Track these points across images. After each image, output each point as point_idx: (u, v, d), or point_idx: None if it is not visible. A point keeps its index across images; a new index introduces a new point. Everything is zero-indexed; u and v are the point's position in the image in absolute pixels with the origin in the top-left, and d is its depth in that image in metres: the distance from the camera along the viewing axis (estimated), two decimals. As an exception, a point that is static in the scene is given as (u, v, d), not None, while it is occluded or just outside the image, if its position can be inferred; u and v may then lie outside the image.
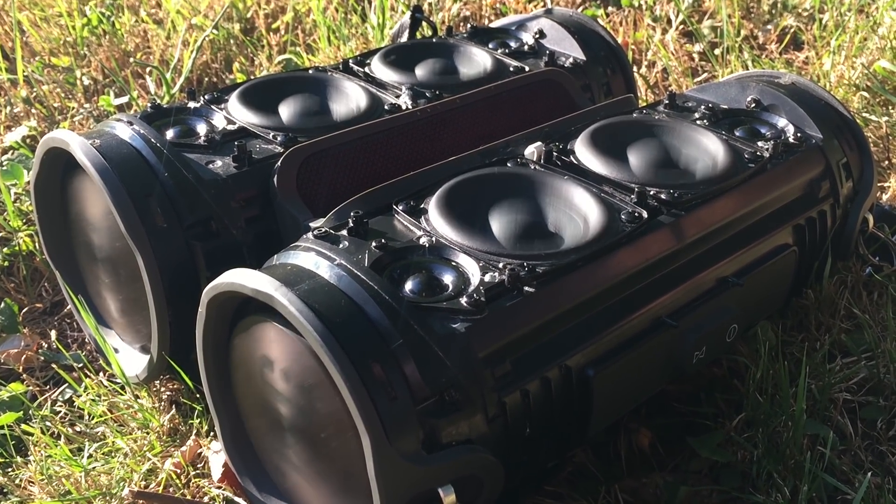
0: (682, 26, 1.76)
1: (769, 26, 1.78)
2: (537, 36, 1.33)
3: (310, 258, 0.77)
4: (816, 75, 1.58)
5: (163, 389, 1.02)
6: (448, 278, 0.78)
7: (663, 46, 1.66)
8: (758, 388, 0.90)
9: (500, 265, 0.78)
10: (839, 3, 1.73)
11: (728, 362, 0.98)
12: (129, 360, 1.02)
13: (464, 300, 0.74)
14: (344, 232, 0.82)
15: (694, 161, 0.99)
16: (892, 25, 1.61)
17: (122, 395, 1.00)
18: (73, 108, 1.51)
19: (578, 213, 0.87)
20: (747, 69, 1.60)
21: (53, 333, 1.15)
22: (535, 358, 0.76)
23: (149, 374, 0.97)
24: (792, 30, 1.74)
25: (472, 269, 0.79)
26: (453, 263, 0.80)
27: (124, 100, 1.44)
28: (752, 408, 0.89)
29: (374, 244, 0.79)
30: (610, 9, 1.84)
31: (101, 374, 1.05)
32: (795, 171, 1.00)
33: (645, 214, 0.86)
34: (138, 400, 0.98)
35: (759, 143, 1.01)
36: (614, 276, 0.82)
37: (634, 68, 1.65)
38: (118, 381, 1.01)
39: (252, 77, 1.59)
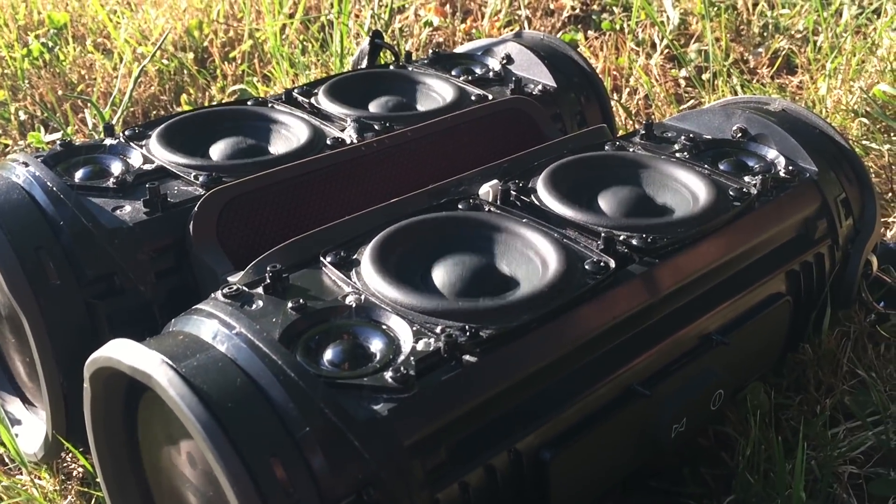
0: (667, 50, 1.65)
1: (760, 49, 1.67)
2: (504, 62, 1.22)
3: (209, 326, 0.65)
4: (811, 100, 1.47)
5: (73, 467, 0.90)
6: (376, 346, 0.66)
7: (645, 72, 1.55)
8: (748, 465, 0.77)
9: (438, 329, 0.66)
10: (834, 24, 1.62)
11: (715, 430, 0.85)
12: (33, 432, 0.89)
13: (389, 375, 0.61)
14: (259, 290, 0.70)
15: (671, 200, 0.87)
16: (891, 47, 1.50)
17: (19, 476, 0.88)
18: (8, 145, 1.39)
19: (535, 263, 0.75)
20: (736, 94, 1.49)
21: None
22: (477, 442, 0.64)
23: (45, 452, 0.84)
24: (784, 52, 1.63)
25: (404, 334, 0.66)
26: (383, 327, 0.67)
27: (57, 136, 1.33)
28: (741, 489, 0.76)
29: (290, 305, 0.67)
30: (591, 32, 1.73)
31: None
32: (787, 209, 0.88)
33: (612, 263, 0.74)
34: (37, 481, 0.86)
35: (747, 178, 0.89)
36: (575, 338, 0.70)
37: (616, 96, 1.54)
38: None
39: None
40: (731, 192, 0.86)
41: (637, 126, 1.46)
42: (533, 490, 0.66)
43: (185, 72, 1.55)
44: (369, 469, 0.58)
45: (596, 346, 0.71)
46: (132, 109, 1.44)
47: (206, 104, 1.48)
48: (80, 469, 0.90)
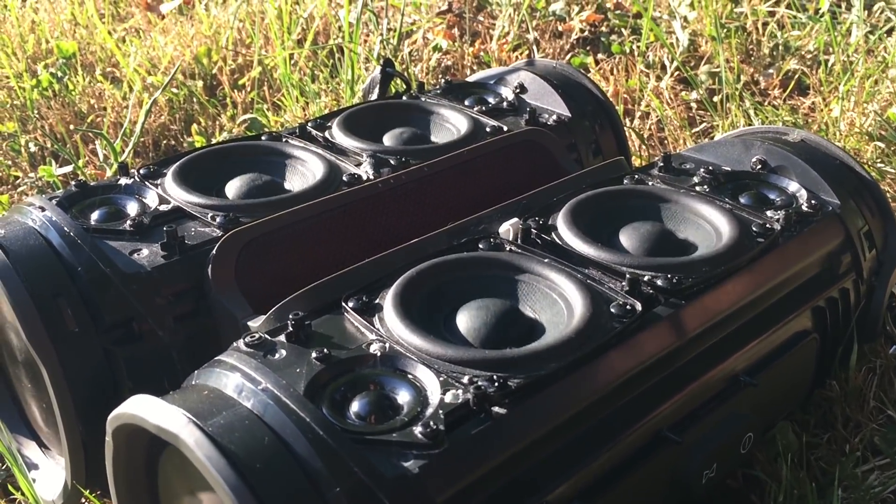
0: (677, 73, 1.64)
1: (771, 70, 1.66)
2: (517, 91, 1.21)
3: (233, 380, 0.64)
4: (824, 123, 1.46)
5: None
6: (403, 397, 0.65)
7: (656, 96, 1.54)
8: (780, 511, 0.76)
9: (465, 379, 0.65)
10: (845, 45, 1.61)
11: (744, 472, 0.84)
12: (52, 479, 0.88)
13: (418, 430, 0.60)
14: (282, 338, 0.69)
15: (693, 236, 0.86)
16: (904, 67, 1.49)
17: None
18: (19, 177, 1.39)
19: (560, 306, 0.74)
20: (749, 118, 1.48)
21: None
22: (508, 497, 0.62)
23: (64, 500, 0.83)
24: (796, 74, 1.62)
25: (431, 384, 0.65)
26: (409, 377, 0.66)
27: (68, 169, 1.32)
28: (773, 535, 0.75)
29: (314, 355, 0.66)
30: (600, 55, 1.73)
31: (16, 492, 0.91)
32: (812, 244, 0.87)
33: (638, 306, 0.73)
34: (55, 529, 0.84)
35: (769, 213, 0.88)
36: (603, 385, 0.69)
37: (627, 120, 1.53)
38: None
39: (213, 139, 1.48)
40: (754, 228, 0.85)
41: (651, 153, 1.45)
42: (564, 543, 0.65)
43: (195, 100, 1.55)
44: (401, 529, 0.57)
45: (624, 392, 0.70)
46: (142, 140, 1.43)
47: (217, 135, 1.47)
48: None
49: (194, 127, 1.45)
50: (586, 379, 0.68)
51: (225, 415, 0.59)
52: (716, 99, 1.53)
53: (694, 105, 1.58)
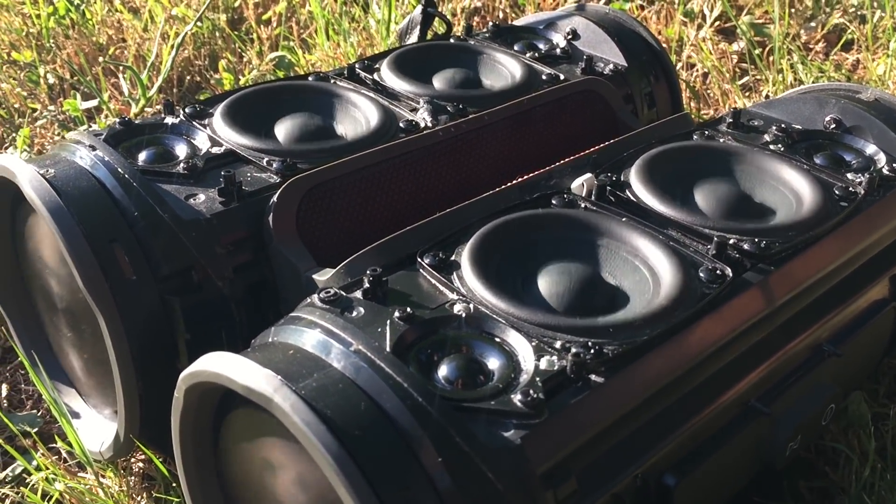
0: (717, 23, 1.59)
1: (813, 24, 1.61)
2: (570, 37, 1.16)
3: (317, 338, 0.60)
4: (869, 81, 1.42)
5: (136, 465, 0.86)
6: (493, 363, 0.62)
7: (702, 44, 1.49)
8: (863, 487, 0.74)
9: (558, 345, 0.62)
10: (891, 4, 1.56)
11: (817, 442, 0.82)
12: (96, 429, 0.85)
13: (517, 398, 0.57)
14: (358, 294, 0.65)
15: (772, 198, 0.83)
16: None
17: (82, 474, 0.83)
18: (37, 110, 1.32)
19: (645, 269, 0.71)
20: (795, 73, 1.44)
21: (4, 388, 0.98)
22: (605, 469, 0.60)
23: (115, 452, 0.80)
24: (843, 30, 1.57)
25: (522, 349, 0.62)
26: (497, 341, 0.63)
27: (93, 103, 1.26)
28: (853, 508, 0.74)
29: (396, 314, 0.63)
30: (638, 1, 1.67)
31: (60, 441, 0.88)
32: (894, 210, 0.84)
33: (729, 272, 0.70)
34: (102, 481, 0.82)
35: (850, 176, 0.85)
36: (696, 354, 0.66)
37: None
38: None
39: (240, 76, 1.41)
40: (836, 192, 0.82)
41: (699, 106, 1.41)
42: (654, 515, 0.63)
43: (218, 34, 1.48)
44: (502, 501, 0.54)
45: (715, 361, 0.67)
46: (167, 75, 1.37)
47: (246, 73, 1.41)
48: (141, 465, 0.86)
49: (221, 63, 1.39)
50: (680, 347, 0.65)
51: (317, 377, 0.56)
52: (757, 52, 1.48)
53: (735, 57, 1.54)
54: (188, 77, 1.41)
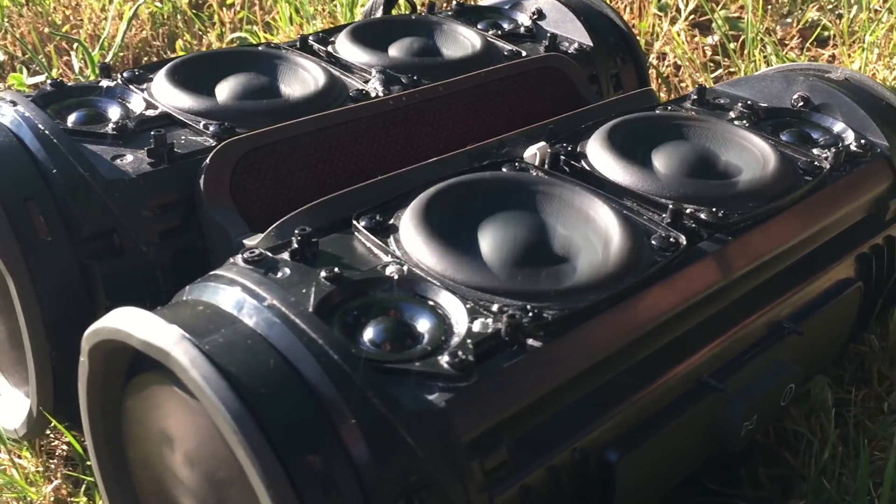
0: (692, 17, 1.56)
1: (789, 19, 1.58)
2: (535, 17, 1.12)
3: (232, 295, 0.55)
4: (845, 75, 1.39)
5: (56, 444, 0.80)
6: (423, 325, 0.57)
7: (676, 36, 1.46)
8: (822, 470, 0.70)
9: (495, 308, 0.57)
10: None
11: (775, 426, 0.78)
12: (13, 406, 0.80)
13: (444, 360, 0.53)
14: (285, 255, 0.61)
15: (738, 170, 0.79)
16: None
17: (-1, 452, 0.78)
18: (-14, 87, 1.27)
19: (596, 236, 0.67)
20: (769, 64, 1.41)
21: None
22: (540, 440, 0.55)
23: (28, 429, 0.75)
24: (815, 23, 1.54)
25: (456, 312, 0.58)
26: (430, 303, 0.59)
27: (40, 78, 1.21)
28: (813, 494, 0.69)
29: (323, 274, 0.58)
30: (612, -6, 1.63)
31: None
32: (861, 186, 0.80)
33: (683, 240, 0.66)
34: (17, 461, 0.76)
35: (816, 151, 0.81)
36: (645, 323, 0.62)
37: (641, 61, 1.45)
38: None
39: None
40: (800, 166, 0.78)
41: (670, 95, 1.38)
42: (594, 492, 0.59)
43: (179, 16, 1.44)
44: (423, 470, 0.50)
45: (666, 332, 0.63)
46: (122, 55, 1.33)
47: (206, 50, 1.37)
48: (65, 448, 0.80)
49: (179, 43, 1.35)
50: (627, 315, 0.61)
51: (224, 332, 0.51)
52: (732, 46, 1.45)
53: (709, 50, 1.50)
54: (145, 58, 1.37)
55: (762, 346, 0.69)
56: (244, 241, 0.70)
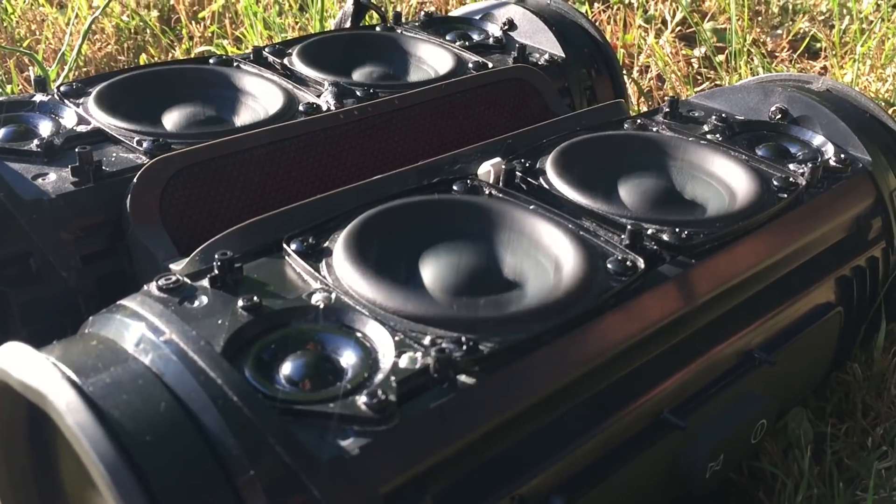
0: (678, 29, 1.51)
1: (779, 31, 1.53)
2: (506, 27, 1.08)
3: (132, 328, 0.50)
4: (836, 87, 1.34)
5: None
6: (348, 359, 0.52)
7: (659, 48, 1.41)
8: (796, 514, 0.64)
9: (427, 340, 0.52)
10: (857, 10, 1.49)
11: (749, 464, 0.72)
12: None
13: (362, 400, 0.47)
14: (205, 282, 0.56)
15: (703, 191, 0.74)
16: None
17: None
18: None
19: (546, 260, 0.61)
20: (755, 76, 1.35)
21: None
22: (473, 489, 0.50)
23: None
24: (807, 35, 1.49)
25: (383, 345, 0.52)
26: (358, 335, 0.53)
27: (-6, 94, 1.17)
28: (787, 541, 0.64)
29: (241, 304, 0.53)
30: (597, 5, 1.59)
31: None
32: (840, 203, 0.75)
33: (641, 263, 0.60)
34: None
35: (792, 167, 0.76)
36: (595, 356, 0.56)
37: (624, 73, 1.40)
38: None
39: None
40: (775, 182, 0.73)
41: (650, 107, 1.33)
42: (539, 546, 0.53)
43: (148, 31, 1.39)
44: (332, 526, 0.44)
45: (620, 365, 0.58)
46: (85, 70, 1.28)
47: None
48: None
49: (143, 57, 1.30)
50: (575, 346, 0.55)
51: (113, 371, 0.46)
52: (719, 59, 1.40)
53: (696, 62, 1.46)
54: (111, 74, 1.32)
55: (730, 379, 0.63)
56: (170, 266, 0.65)
